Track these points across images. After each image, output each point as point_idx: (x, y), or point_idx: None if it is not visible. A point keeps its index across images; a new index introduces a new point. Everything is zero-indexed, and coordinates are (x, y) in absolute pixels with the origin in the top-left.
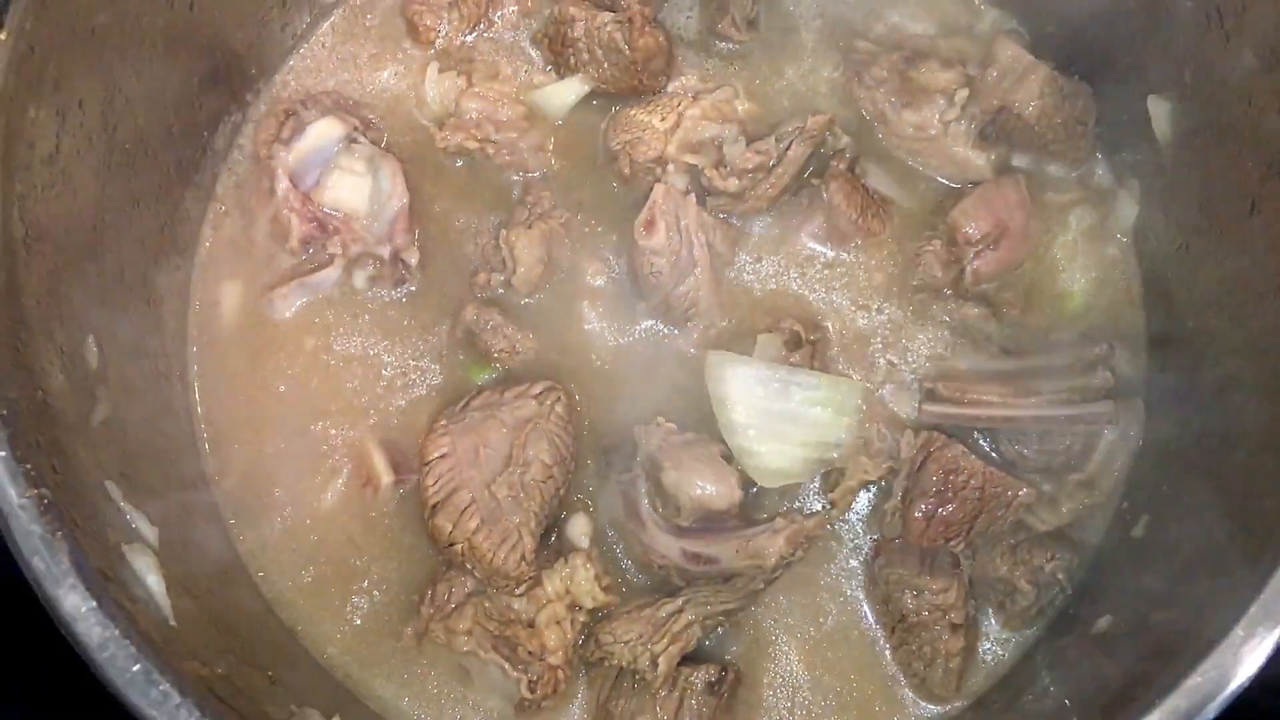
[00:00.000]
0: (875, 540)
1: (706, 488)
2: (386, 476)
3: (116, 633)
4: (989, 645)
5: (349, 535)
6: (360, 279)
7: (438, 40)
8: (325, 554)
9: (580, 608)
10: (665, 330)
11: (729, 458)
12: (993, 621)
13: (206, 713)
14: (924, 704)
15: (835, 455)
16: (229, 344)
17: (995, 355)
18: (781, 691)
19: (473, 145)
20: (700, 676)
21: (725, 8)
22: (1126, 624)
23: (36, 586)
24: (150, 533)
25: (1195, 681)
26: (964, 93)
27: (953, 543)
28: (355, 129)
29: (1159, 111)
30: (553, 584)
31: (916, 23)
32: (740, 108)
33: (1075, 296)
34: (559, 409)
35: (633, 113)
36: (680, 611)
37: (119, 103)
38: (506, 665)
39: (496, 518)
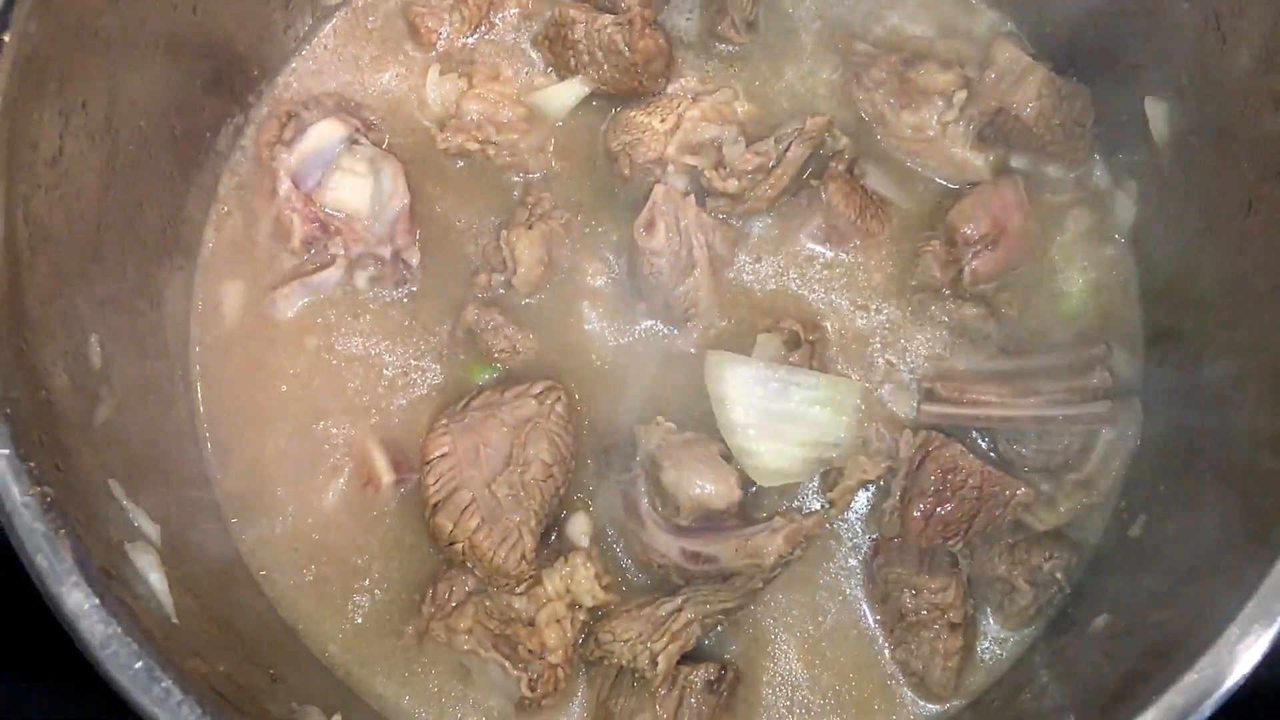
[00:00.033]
0: (874, 539)
1: (706, 487)
2: (387, 476)
3: (119, 630)
4: (987, 644)
5: (350, 534)
6: (362, 279)
7: (439, 42)
8: (326, 553)
9: (580, 606)
10: (665, 330)
11: (728, 457)
12: (991, 621)
13: (208, 710)
14: (922, 703)
15: (834, 455)
16: (231, 344)
17: (993, 355)
18: (780, 690)
19: (474, 146)
20: (699, 675)
21: (725, 10)
22: (1124, 623)
23: (39, 584)
24: (152, 531)
25: (1191, 679)
26: (962, 94)
27: (951, 542)
28: (357, 130)
29: (1156, 113)
30: (553, 583)
31: (915, 24)
32: (740, 109)
33: (1073, 297)
34: (559, 408)
35: (633, 114)
36: (680, 610)
37: (122, 104)
38: (507, 664)
39: (497, 517)
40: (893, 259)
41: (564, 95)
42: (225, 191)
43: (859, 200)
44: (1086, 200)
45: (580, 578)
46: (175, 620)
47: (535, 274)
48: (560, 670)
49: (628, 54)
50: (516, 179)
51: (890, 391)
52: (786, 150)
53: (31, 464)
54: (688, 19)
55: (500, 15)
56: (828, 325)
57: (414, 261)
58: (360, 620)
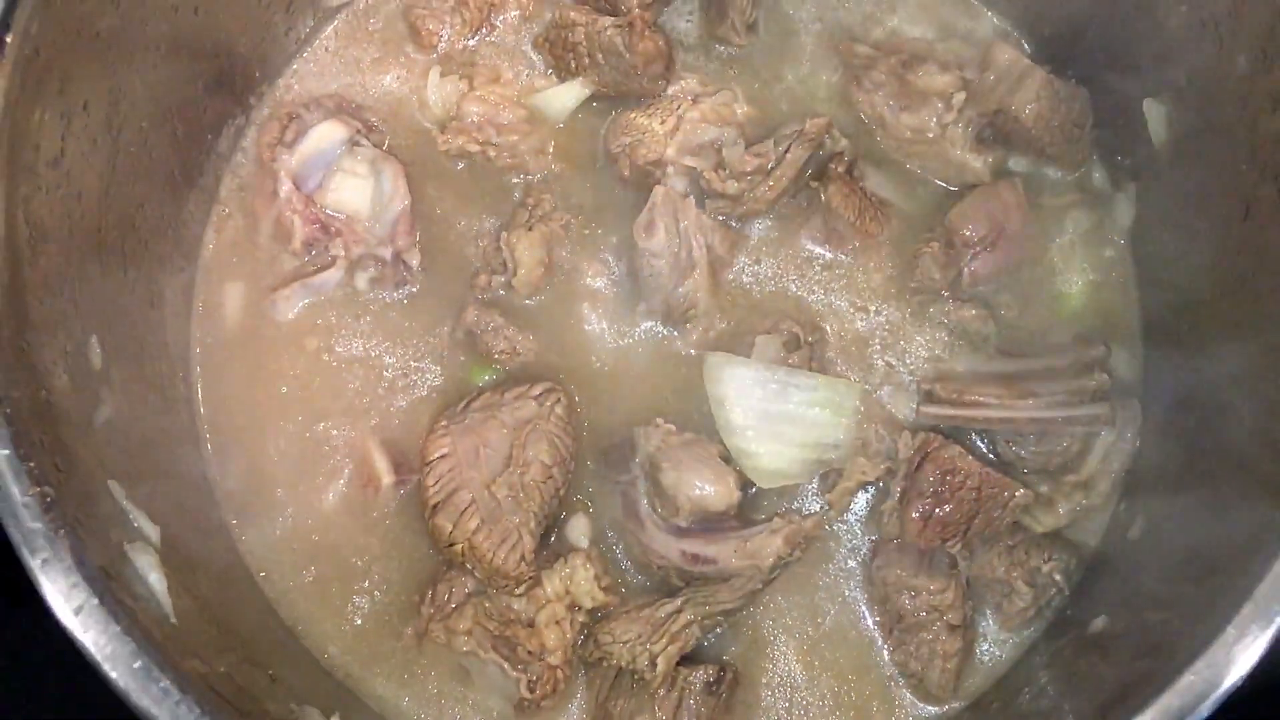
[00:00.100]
0: (873, 541)
1: (705, 488)
2: (387, 477)
3: (118, 630)
4: (986, 646)
5: (350, 535)
6: (362, 280)
7: (440, 44)
8: (326, 554)
9: (579, 608)
10: (664, 332)
11: (727, 459)
12: (990, 622)
13: (206, 710)
14: (921, 704)
15: (833, 456)
16: (232, 345)
17: (992, 357)
18: (779, 692)
19: (474, 148)
20: (699, 676)
21: (725, 12)
22: (1122, 624)
23: (38, 584)
24: (152, 531)
25: (1189, 681)
26: (961, 96)
27: (950, 543)
28: (358, 132)
29: (1155, 115)
30: (552, 584)
31: (914, 27)
32: (739, 111)
33: (1072, 298)
34: (559, 410)
35: (633, 116)
36: (679, 612)
37: (123, 106)
38: (506, 665)
39: (496, 518)
40: (892, 260)
41: (564, 97)
42: (226, 193)
43: (858, 202)
44: (1085, 202)
45: (580, 579)
46: (174, 620)
47: (535, 275)
48: (559, 671)
49: (628, 56)
50: (517, 180)
51: (889, 393)
52: (786, 152)
53: (31, 464)
54: (688, 21)
55: (501, 17)
56: (827, 327)
57: (414, 263)
58: (360, 621)
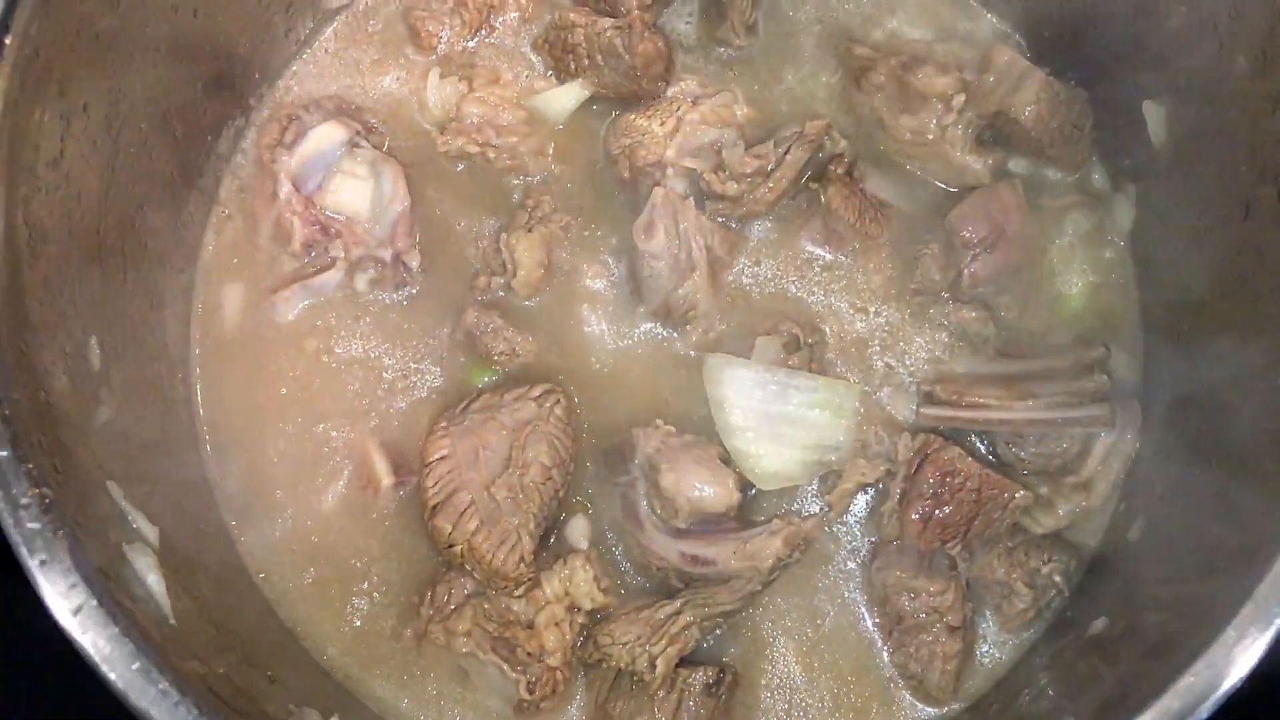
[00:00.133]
0: (872, 542)
1: (704, 490)
2: (387, 478)
3: (116, 631)
4: (986, 647)
5: (349, 536)
6: (362, 282)
7: (439, 46)
8: (325, 555)
9: (579, 609)
10: (664, 333)
11: (727, 460)
12: (990, 624)
13: (205, 711)
14: (921, 706)
15: (833, 458)
16: (231, 346)
17: (992, 358)
18: (779, 693)
19: (474, 149)
20: (698, 678)
21: (724, 13)
22: (1122, 626)
23: (37, 585)
24: (151, 532)
25: (1188, 682)
26: (961, 98)
27: (949, 545)
28: (357, 133)
29: (1154, 116)
30: (551, 585)
31: (914, 28)
32: (739, 112)
33: (1072, 300)
34: (558, 411)
35: (632, 117)
36: (678, 613)
37: (123, 107)
38: (505, 666)
39: (496, 519)
40: (892, 262)
41: (564, 99)
42: (226, 194)
43: (858, 203)
44: (1085, 203)
45: (579, 580)
46: (173, 621)
47: (535, 277)
48: (559, 673)
49: (627, 58)
50: (516, 182)
51: (889, 394)
52: (786, 153)
53: (30, 465)
54: (687, 23)
55: (500, 19)
56: (827, 328)
57: (414, 264)
58: (359, 622)
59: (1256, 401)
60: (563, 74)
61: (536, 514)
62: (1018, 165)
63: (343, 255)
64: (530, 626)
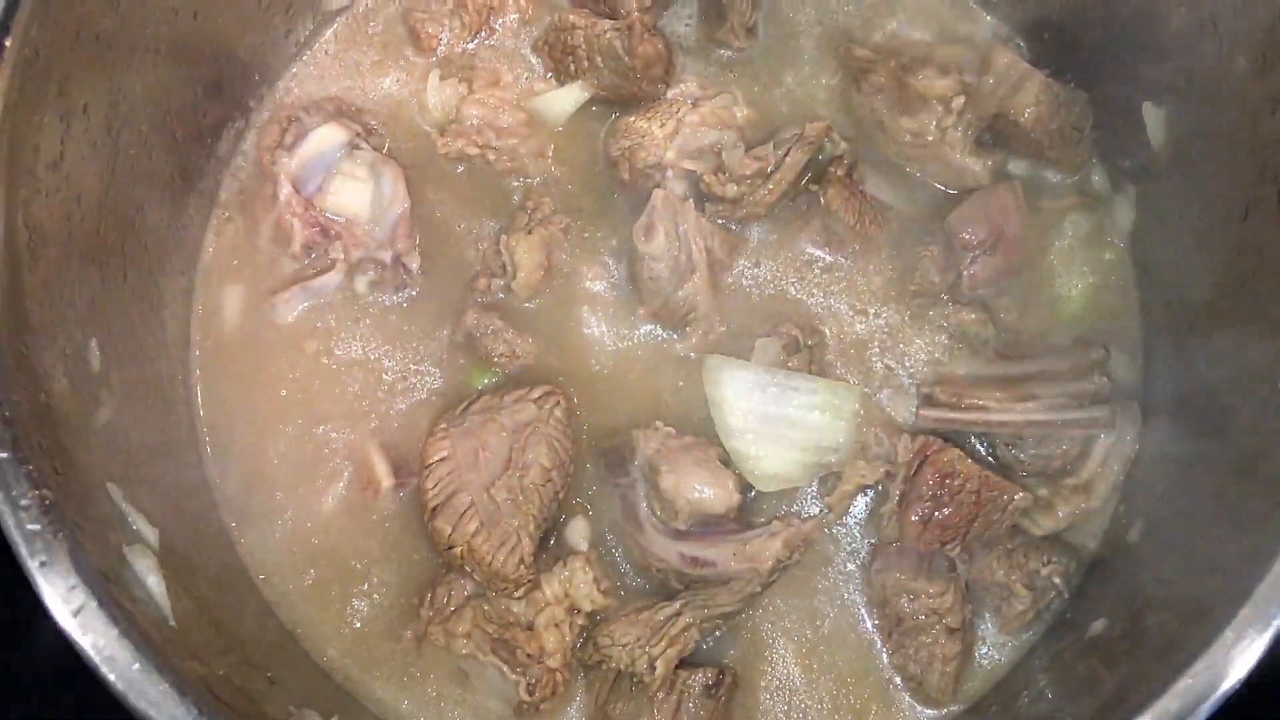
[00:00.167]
0: (872, 544)
1: (704, 491)
2: (387, 480)
3: (116, 632)
4: (985, 649)
5: (349, 538)
6: (362, 284)
7: (439, 47)
8: (325, 557)
9: (579, 611)
10: (664, 334)
11: (727, 462)
12: (989, 625)
13: (205, 712)
14: (920, 708)
15: (833, 459)
16: (231, 348)
17: (992, 360)
18: (778, 695)
19: (474, 151)
20: (698, 679)
21: (724, 15)
22: (1121, 627)
23: (37, 586)
24: (151, 534)
25: (1187, 683)
26: (961, 99)
27: (949, 546)
28: (357, 135)
29: (1154, 118)
30: (551, 587)
31: (914, 30)
32: (739, 114)
33: (1072, 301)
34: (558, 413)
35: (632, 119)
36: (678, 615)
37: (123, 109)
38: (505, 668)
39: (495, 521)
40: (891, 264)
41: (564, 100)
42: (226, 196)
43: (858, 205)
44: (1085, 205)
45: (579, 582)
46: (173, 623)
47: (535, 278)
48: (559, 674)
49: (627, 59)
50: (516, 184)
51: (889, 396)
52: (785, 155)
53: (30, 467)
54: (687, 24)
55: (500, 21)
56: (826, 330)
57: (414, 266)
58: (359, 624)
59: (1256, 402)
60: (562, 76)
61: (536, 515)
62: (1017, 167)
63: (342, 257)
64: (530, 628)
